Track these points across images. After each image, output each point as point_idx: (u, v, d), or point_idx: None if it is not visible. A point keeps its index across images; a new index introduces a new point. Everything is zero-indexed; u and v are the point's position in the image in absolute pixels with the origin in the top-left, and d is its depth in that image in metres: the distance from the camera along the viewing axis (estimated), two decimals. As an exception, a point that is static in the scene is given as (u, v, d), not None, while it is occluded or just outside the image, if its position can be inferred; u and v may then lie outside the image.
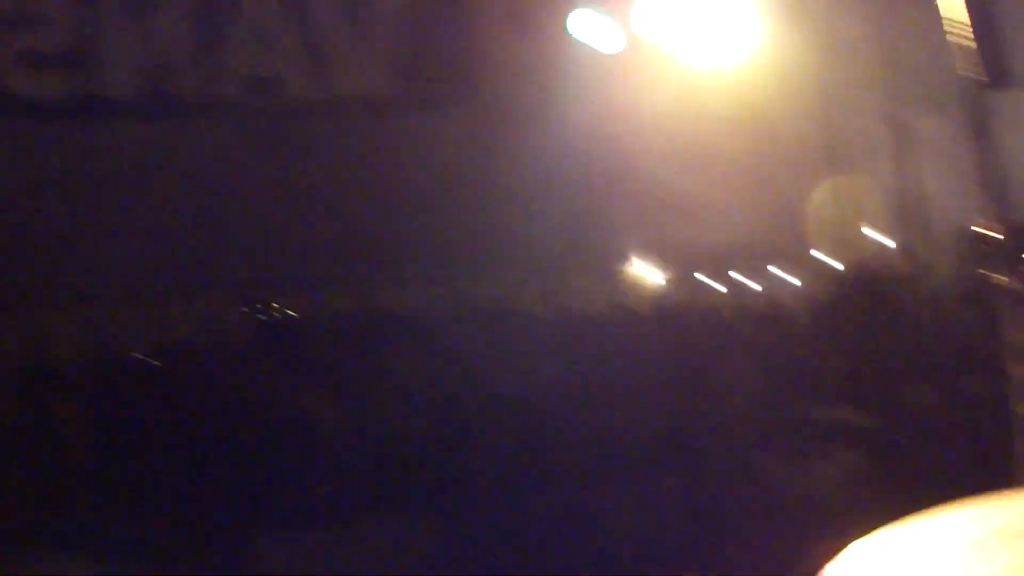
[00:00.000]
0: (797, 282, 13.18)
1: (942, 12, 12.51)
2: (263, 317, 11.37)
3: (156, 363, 10.95)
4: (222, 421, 10.64)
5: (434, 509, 10.61)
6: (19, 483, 9.97)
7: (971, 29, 12.33)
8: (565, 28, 12.06)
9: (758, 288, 13.19)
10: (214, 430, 10.53)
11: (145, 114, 11.61)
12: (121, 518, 10.05)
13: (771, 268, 13.23)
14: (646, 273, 12.67)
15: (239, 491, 10.29)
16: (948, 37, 12.73)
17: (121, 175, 11.57)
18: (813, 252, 13.06)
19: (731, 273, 13.18)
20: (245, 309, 11.48)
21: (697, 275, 13.01)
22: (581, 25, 12.03)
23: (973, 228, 11.76)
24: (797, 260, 13.16)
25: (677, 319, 12.14)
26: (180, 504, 10.18)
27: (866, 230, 13.16)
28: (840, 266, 13.01)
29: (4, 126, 11.24)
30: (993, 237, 11.46)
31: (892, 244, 13.17)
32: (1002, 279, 10.90)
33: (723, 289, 13.10)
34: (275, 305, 11.44)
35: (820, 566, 4.08)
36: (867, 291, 12.51)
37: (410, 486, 10.73)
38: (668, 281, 12.86)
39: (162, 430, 10.50)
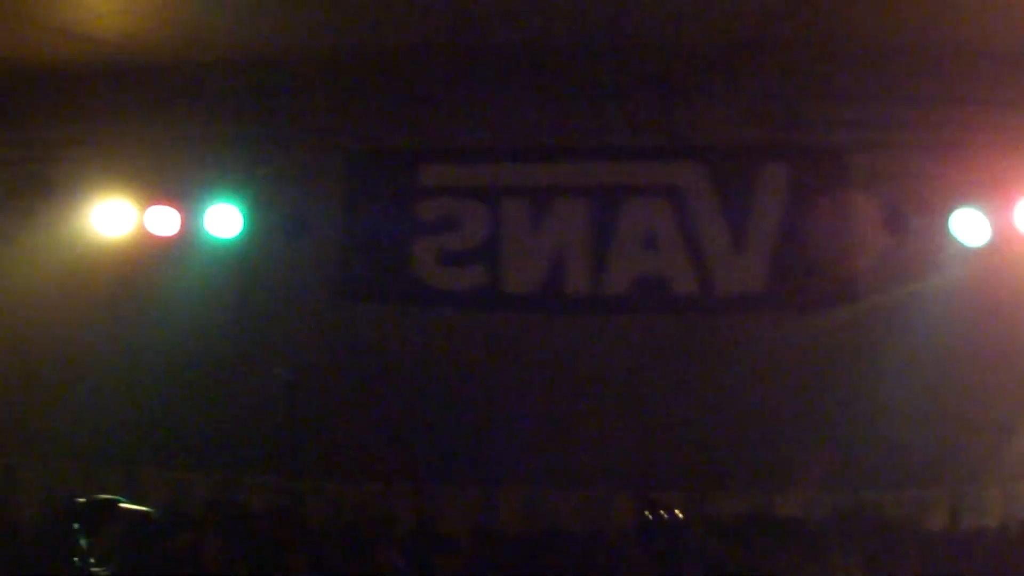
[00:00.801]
0: None
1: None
2: (650, 514, 12.07)
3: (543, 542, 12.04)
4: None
5: None
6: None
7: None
8: (944, 226, 11.99)
9: None
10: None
11: (541, 307, 12.84)
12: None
13: None
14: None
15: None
16: None
17: (517, 361, 12.95)
18: None
19: None
20: (637, 504, 12.24)
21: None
22: (960, 223, 11.92)
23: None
24: None
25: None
26: None
27: None
28: None
29: (424, 313, 12.96)
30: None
31: None
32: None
33: None
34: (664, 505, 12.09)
35: None
36: None
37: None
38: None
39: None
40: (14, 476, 12.48)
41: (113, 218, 12.30)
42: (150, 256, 12.39)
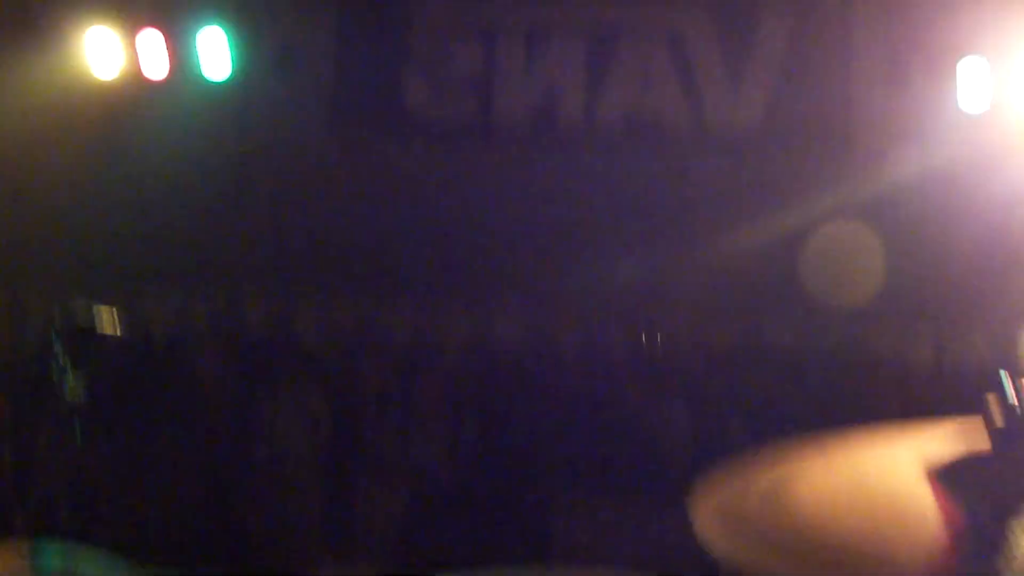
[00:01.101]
0: None
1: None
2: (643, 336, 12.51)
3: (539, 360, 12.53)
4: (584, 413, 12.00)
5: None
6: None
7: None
8: (948, 80, 11.92)
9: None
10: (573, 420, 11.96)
11: (531, 140, 12.91)
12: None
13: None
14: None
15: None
16: None
17: (510, 193, 13.10)
18: None
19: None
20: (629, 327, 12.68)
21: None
22: (964, 77, 11.86)
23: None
24: None
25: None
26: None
27: None
28: None
29: (411, 144, 13.04)
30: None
31: None
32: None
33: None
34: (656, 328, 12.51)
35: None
36: None
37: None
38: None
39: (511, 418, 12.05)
40: (19, 308, 12.80)
41: (102, 50, 12.17)
42: (142, 93, 12.34)
